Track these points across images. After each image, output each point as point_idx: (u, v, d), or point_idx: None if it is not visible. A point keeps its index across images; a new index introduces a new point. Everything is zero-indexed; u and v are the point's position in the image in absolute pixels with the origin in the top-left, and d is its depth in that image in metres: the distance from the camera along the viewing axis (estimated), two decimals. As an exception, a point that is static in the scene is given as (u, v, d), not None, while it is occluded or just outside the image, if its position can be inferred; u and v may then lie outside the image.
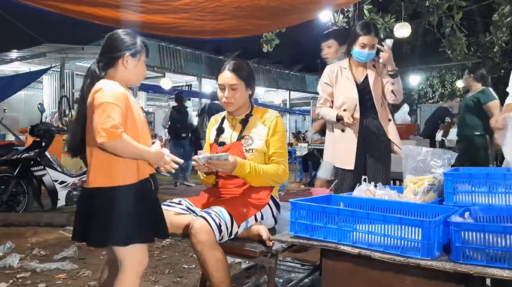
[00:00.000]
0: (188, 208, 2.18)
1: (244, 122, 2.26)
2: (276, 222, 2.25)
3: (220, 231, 1.95)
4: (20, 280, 2.95)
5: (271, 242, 1.96)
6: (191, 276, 3.00)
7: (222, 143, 2.27)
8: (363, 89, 2.98)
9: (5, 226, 4.43)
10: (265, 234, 1.99)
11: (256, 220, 2.13)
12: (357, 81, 3.00)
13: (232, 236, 2.05)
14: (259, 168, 2.15)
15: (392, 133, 3.01)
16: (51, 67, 10.59)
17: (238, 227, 2.05)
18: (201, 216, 1.97)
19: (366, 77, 3.00)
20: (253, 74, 2.31)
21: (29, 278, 2.98)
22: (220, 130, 2.33)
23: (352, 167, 2.93)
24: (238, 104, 2.25)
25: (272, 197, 2.24)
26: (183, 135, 7.82)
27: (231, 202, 2.09)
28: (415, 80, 18.01)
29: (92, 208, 1.75)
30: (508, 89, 2.48)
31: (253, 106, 2.33)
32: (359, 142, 2.94)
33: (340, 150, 3.00)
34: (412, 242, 1.46)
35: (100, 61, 1.84)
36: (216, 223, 1.94)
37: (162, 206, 2.14)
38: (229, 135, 2.29)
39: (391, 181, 4.26)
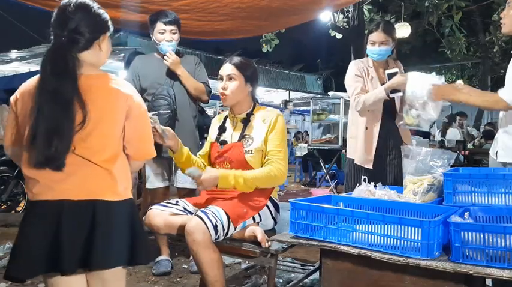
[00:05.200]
0: (185, 209, 2.17)
1: (246, 121, 2.23)
2: (275, 223, 2.25)
3: (216, 231, 1.95)
4: (20, 280, 2.95)
5: (267, 244, 1.95)
6: (191, 276, 3.00)
7: (224, 142, 2.25)
8: None
9: (5, 226, 4.42)
10: (260, 235, 1.97)
11: (254, 220, 2.13)
12: (381, 81, 2.90)
13: (228, 236, 2.05)
14: (247, 176, 2.07)
15: (407, 137, 2.99)
16: (51, 67, 10.61)
17: (235, 228, 2.05)
18: (198, 215, 1.97)
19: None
20: (256, 72, 2.27)
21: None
22: (222, 129, 2.31)
23: (370, 166, 2.89)
24: (235, 97, 2.21)
25: (271, 199, 2.22)
26: None
27: (229, 203, 2.08)
28: (415, 80, 17.96)
29: (111, 223, 1.47)
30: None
31: (256, 105, 2.29)
32: (379, 143, 2.89)
33: (361, 148, 2.94)
34: (412, 242, 1.47)
35: (73, 40, 1.44)
36: (212, 223, 1.94)
37: (159, 207, 2.14)
38: (230, 135, 2.27)
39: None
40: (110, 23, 1.56)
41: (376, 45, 2.85)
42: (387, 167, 2.96)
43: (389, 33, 2.84)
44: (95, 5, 1.51)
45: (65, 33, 1.44)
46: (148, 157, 1.64)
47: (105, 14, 1.54)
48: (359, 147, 2.96)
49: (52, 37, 1.46)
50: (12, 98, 1.54)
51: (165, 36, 2.96)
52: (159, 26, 2.97)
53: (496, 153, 2.25)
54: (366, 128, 2.94)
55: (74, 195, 1.44)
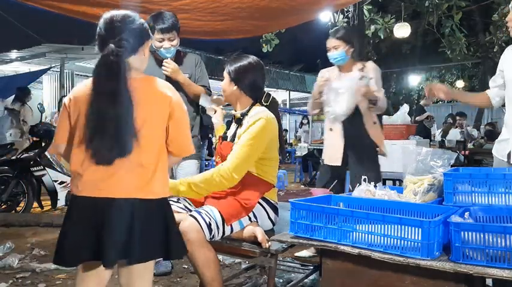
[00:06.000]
0: (186, 207, 2.18)
1: (238, 121, 2.26)
2: (273, 225, 2.24)
3: (210, 230, 1.96)
4: (20, 280, 2.95)
5: (267, 244, 1.95)
6: (191, 276, 3.00)
7: (225, 138, 2.31)
8: None
9: (5, 226, 4.43)
10: (260, 236, 1.98)
11: (250, 219, 2.12)
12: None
13: (226, 235, 2.05)
14: (190, 181, 2.09)
15: (375, 135, 3.09)
16: (51, 67, 10.59)
17: (231, 227, 2.05)
18: (191, 215, 1.99)
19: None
20: (244, 71, 2.22)
21: (29, 278, 2.98)
22: (228, 125, 2.38)
23: (339, 164, 3.08)
24: (225, 95, 2.29)
25: (268, 201, 2.21)
26: None
27: (223, 202, 2.09)
28: (415, 80, 17.98)
29: (153, 220, 1.59)
30: (490, 83, 2.53)
31: (255, 105, 2.26)
32: (345, 143, 3.07)
33: (328, 147, 3.18)
34: (412, 242, 1.47)
35: (121, 46, 1.55)
36: (205, 222, 1.96)
37: None
38: (229, 132, 2.32)
39: (391, 182, 4.27)
40: (150, 31, 1.72)
41: (330, 50, 3.07)
42: (351, 165, 3.10)
43: (341, 38, 3.04)
44: (137, 16, 1.66)
45: (116, 40, 1.55)
46: (189, 153, 1.75)
47: (145, 24, 1.69)
48: (325, 147, 3.22)
49: (101, 45, 1.57)
50: (66, 100, 1.64)
51: (163, 44, 2.89)
52: (157, 34, 2.87)
53: (509, 154, 2.23)
54: (331, 129, 3.15)
55: (117, 193, 1.54)
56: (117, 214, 1.53)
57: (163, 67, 2.89)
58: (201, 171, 3.12)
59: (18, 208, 5.00)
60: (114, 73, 1.52)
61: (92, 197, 1.54)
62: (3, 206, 4.93)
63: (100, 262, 1.53)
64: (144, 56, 1.67)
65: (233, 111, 2.33)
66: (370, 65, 3.10)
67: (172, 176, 3.12)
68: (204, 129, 3.30)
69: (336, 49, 3.03)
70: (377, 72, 3.08)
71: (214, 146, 2.55)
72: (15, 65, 11.46)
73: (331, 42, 3.06)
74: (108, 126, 1.50)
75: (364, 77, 2.95)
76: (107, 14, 1.61)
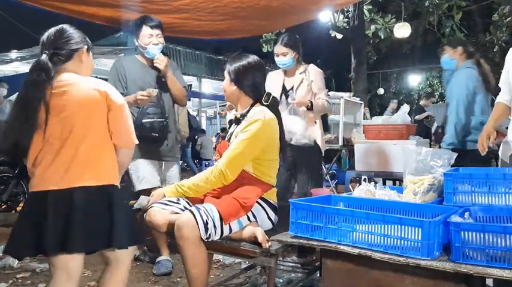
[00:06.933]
0: (186, 208, 2.17)
1: (237, 121, 2.27)
2: (273, 225, 2.24)
3: (206, 229, 1.96)
4: (20, 280, 2.96)
5: (267, 245, 1.94)
6: (191, 276, 3.00)
7: (224, 137, 2.34)
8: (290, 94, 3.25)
9: (5, 226, 4.42)
10: (260, 236, 1.97)
11: (249, 220, 2.12)
12: (287, 86, 3.25)
13: (225, 235, 2.05)
14: (189, 183, 2.18)
15: (313, 134, 3.19)
16: (51, 67, 10.62)
17: (230, 227, 2.05)
18: (190, 211, 2.00)
19: (299, 84, 3.24)
20: (243, 71, 2.23)
21: (29, 278, 2.98)
22: (230, 123, 2.40)
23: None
24: (227, 96, 2.33)
25: (266, 201, 2.21)
26: None
27: (222, 201, 2.10)
28: (415, 80, 17.98)
29: (104, 205, 1.72)
30: (499, 84, 2.50)
31: (254, 106, 2.26)
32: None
33: None
34: (412, 242, 1.47)
35: (55, 54, 1.77)
36: (203, 220, 1.96)
37: (160, 205, 2.15)
38: (230, 132, 2.33)
39: (391, 182, 4.26)
40: (86, 39, 1.89)
41: (278, 56, 3.19)
42: (296, 162, 3.26)
43: (288, 46, 3.15)
44: (71, 28, 1.85)
45: (49, 49, 1.77)
46: (131, 144, 1.87)
47: (80, 33, 1.87)
48: None
49: (40, 55, 1.77)
50: None
51: (152, 40, 3.01)
52: (146, 30, 3.01)
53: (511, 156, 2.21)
54: None
55: (58, 185, 1.67)
56: (57, 205, 1.65)
57: (155, 61, 3.02)
58: (195, 173, 3.16)
59: (18, 208, 4.99)
60: (32, 79, 1.70)
61: (38, 191, 1.69)
62: (3, 206, 4.93)
63: (66, 256, 1.66)
64: (82, 63, 1.84)
65: (234, 112, 2.34)
66: (311, 69, 3.24)
67: (161, 180, 3.15)
68: (192, 131, 3.38)
69: (284, 56, 3.16)
70: (317, 75, 3.24)
71: (214, 146, 2.57)
72: (15, 65, 11.44)
73: (279, 49, 3.18)
74: (12, 127, 1.70)
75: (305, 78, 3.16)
76: (46, 31, 1.84)
